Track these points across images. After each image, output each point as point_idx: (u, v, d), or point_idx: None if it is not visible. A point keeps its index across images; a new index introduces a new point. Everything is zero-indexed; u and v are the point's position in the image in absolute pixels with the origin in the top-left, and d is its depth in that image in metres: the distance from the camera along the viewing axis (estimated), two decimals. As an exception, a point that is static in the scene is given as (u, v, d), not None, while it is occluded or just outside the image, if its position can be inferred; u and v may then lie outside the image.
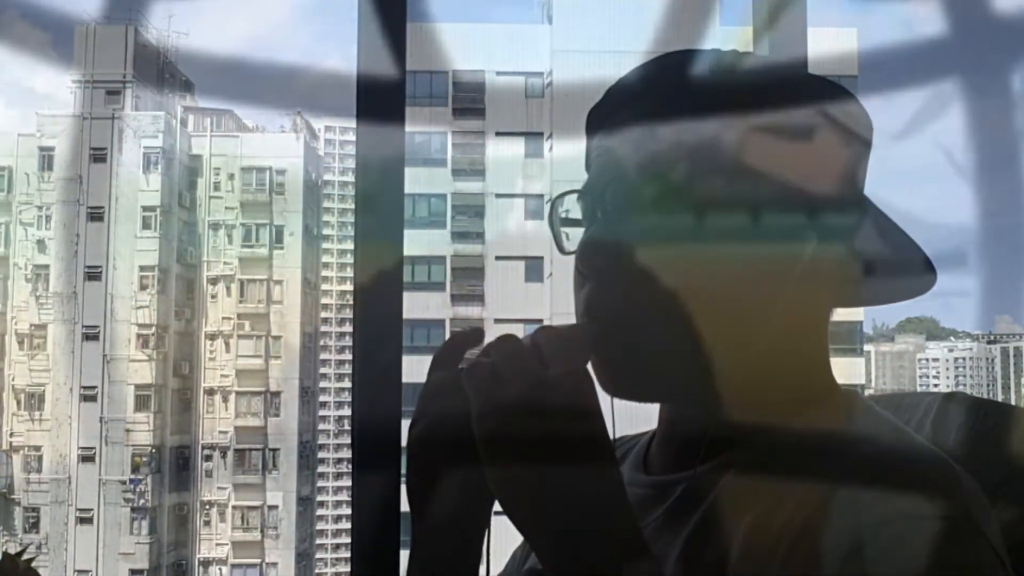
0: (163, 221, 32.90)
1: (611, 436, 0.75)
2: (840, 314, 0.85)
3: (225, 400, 34.12)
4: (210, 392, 34.11)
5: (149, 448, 32.17)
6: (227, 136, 35.48)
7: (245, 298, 34.47)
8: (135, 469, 32.01)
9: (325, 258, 47.01)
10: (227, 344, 34.27)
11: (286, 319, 34.61)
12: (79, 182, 32.53)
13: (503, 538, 0.83)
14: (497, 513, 0.75)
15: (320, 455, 41.79)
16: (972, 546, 0.68)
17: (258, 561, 33.96)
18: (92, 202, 32.53)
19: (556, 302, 25.11)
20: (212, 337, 34.33)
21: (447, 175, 29.22)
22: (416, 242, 26.71)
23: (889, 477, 0.70)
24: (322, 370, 43.60)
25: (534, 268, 27.29)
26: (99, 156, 32.67)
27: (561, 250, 0.85)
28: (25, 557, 1.29)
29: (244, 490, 33.91)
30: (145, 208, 32.76)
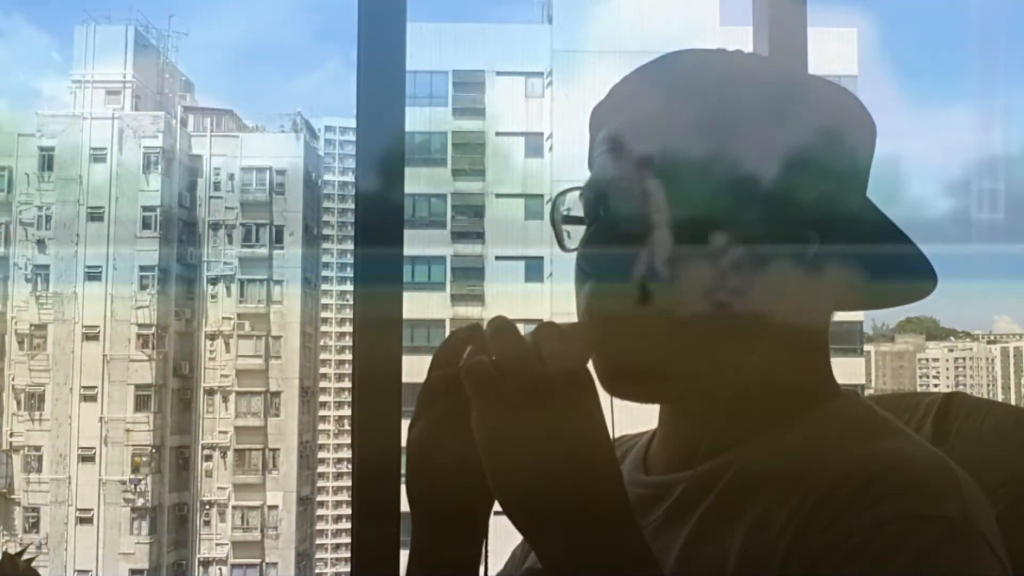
0: (163, 221, 32.88)
1: (611, 436, 0.75)
2: (840, 314, 0.85)
3: (225, 400, 34.08)
4: (210, 392, 34.07)
5: (149, 448, 32.14)
6: (227, 136, 35.43)
7: (245, 298, 34.44)
8: (135, 469, 31.98)
9: (325, 258, 46.93)
10: (227, 344, 34.24)
11: (286, 319, 34.59)
12: (79, 182, 32.51)
13: (503, 538, 0.83)
14: (497, 513, 0.75)
15: (320, 455, 41.70)
16: (971, 547, 0.68)
17: (258, 561, 33.92)
18: (92, 202, 32.51)
19: (556, 302, 25.08)
20: (212, 337, 34.30)
21: (447, 175, 29.20)
22: (416, 242, 26.68)
23: (888, 478, 0.70)
24: (322, 370, 43.50)
25: (534, 268, 27.26)
26: (99, 156, 32.64)
27: (562, 248, 0.85)
28: (25, 557, 1.29)
29: (244, 490, 33.87)
30: (145, 208, 32.73)
